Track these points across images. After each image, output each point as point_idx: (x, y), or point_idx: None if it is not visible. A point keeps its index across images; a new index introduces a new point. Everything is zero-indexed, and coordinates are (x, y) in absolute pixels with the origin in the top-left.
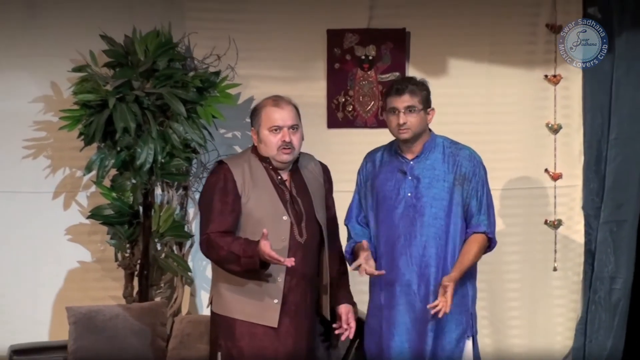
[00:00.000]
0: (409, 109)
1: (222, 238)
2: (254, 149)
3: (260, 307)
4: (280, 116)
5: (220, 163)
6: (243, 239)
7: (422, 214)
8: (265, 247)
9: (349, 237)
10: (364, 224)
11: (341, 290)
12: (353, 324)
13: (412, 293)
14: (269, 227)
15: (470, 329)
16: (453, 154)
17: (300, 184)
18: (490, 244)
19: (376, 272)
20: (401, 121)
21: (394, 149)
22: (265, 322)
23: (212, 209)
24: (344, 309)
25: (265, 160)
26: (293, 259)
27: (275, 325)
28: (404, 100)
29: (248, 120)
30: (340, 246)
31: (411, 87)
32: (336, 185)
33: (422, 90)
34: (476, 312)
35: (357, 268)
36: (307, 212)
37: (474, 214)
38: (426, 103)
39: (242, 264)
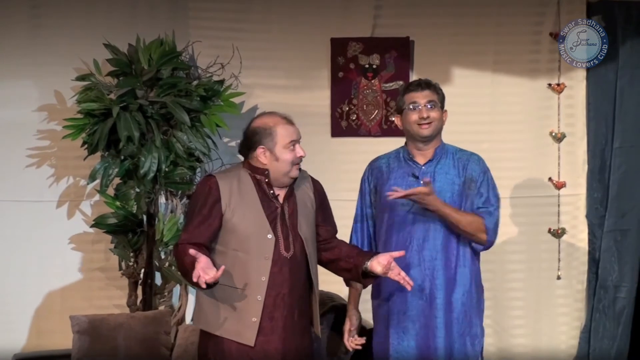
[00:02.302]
0: (431, 103)
1: (186, 249)
2: (247, 165)
3: (238, 325)
4: (295, 130)
5: (209, 176)
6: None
7: (434, 217)
8: (199, 263)
9: None
10: (363, 235)
11: (363, 254)
12: (399, 271)
13: (425, 298)
14: (253, 243)
15: (480, 340)
16: (462, 159)
17: (292, 198)
18: (486, 238)
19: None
20: (425, 114)
21: (402, 155)
22: (242, 340)
23: (189, 221)
24: (375, 263)
25: (260, 174)
26: (209, 277)
27: (252, 344)
28: (425, 95)
29: None
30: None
31: (432, 84)
32: (340, 194)
33: (439, 90)
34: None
35: None
36: (295, 227)
37: (478, 206)
38: (443, 102)
39: (193, 276)
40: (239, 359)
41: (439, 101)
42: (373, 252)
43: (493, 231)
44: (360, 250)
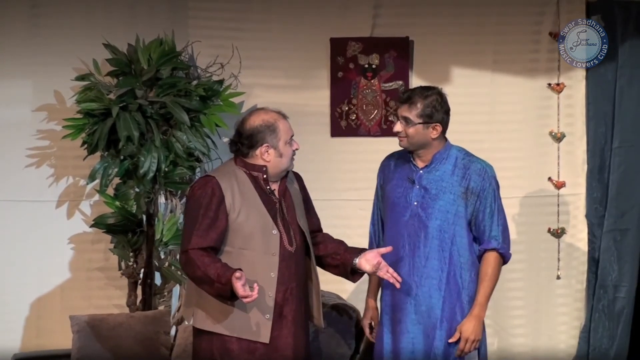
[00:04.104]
0: (404, 119)
1: (201, 257)
2: (240, 162)
3: (251, 323)
4: (290, 124)
5: (208, 177)
6: (220, 263)
7: (426, 225)
8: (237, 282)
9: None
10: (379, 228)
11: (351, 250)
12: (387, 268)
13: (412, 302)
14: (259, 241)
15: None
16: (464, 167)
17: (287, 192)
18: (504, 259)
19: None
20: (395, 129)
21: (408, 155)
22: (257, 338)
23: (196, 224)
24: (364, 261)
25: (257, 170)
26: (256, 295)
27: (267, 342)
28: (402, 110)
29: None
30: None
31: (415, 98)
32: (339, 194)
33: (426, 104)
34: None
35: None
36: (294, 220)
37: (484, 230)
38: (428, 117)
39: (215, 288)
40: (250, 357)
41: (418, 117)
42: (360, 249)
43: (506, 248)
44: (346, 246)
